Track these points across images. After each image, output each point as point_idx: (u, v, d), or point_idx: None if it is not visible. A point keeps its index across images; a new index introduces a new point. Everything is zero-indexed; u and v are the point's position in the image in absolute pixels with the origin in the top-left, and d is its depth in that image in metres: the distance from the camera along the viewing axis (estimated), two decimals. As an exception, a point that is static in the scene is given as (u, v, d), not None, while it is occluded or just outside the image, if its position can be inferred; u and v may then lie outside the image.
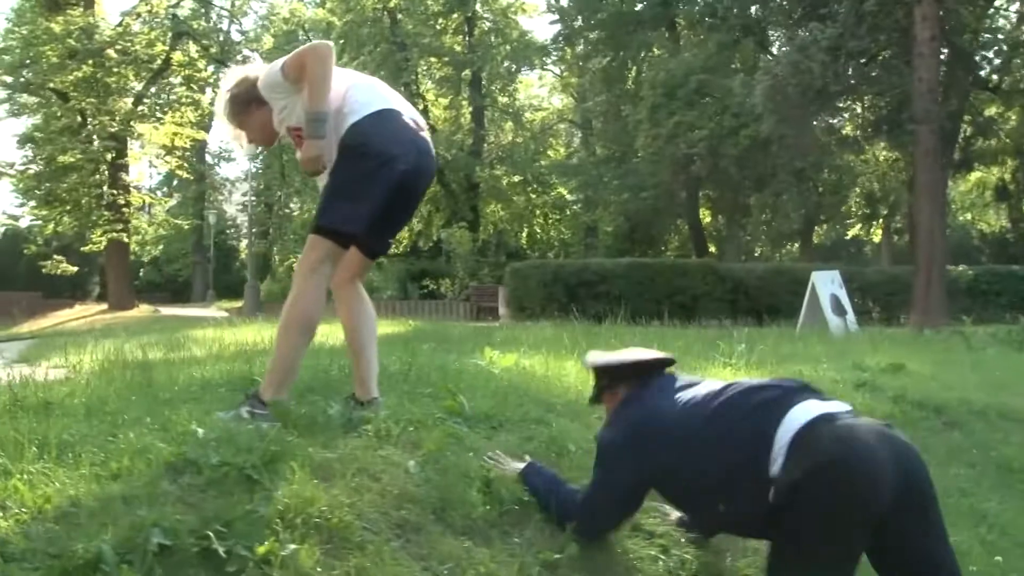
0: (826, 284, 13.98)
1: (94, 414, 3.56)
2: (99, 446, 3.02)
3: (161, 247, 50.55)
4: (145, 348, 7.69)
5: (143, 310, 30.53)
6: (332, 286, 3.73)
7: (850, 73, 19.70)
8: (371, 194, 3.49)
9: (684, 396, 3.03)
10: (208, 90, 36.02)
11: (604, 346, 4.09)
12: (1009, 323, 13.42)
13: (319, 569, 2.62)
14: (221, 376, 4.52)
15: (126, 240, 31.17)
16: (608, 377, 3.31)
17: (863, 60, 19.63)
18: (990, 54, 23.73)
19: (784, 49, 23.04)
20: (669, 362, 3.33)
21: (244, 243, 56.39)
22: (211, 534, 2.53)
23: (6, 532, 2.39)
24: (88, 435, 3.17)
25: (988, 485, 5.08)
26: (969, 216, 44.29)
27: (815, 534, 2.57)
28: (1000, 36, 23.73)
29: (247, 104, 3.74)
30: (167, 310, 31.55)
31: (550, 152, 41.47)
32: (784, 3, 21.27)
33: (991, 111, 26.97)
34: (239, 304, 31.06)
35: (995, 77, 23.65)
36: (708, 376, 3.80)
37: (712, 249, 34.15)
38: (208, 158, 50.06)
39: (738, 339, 6.88)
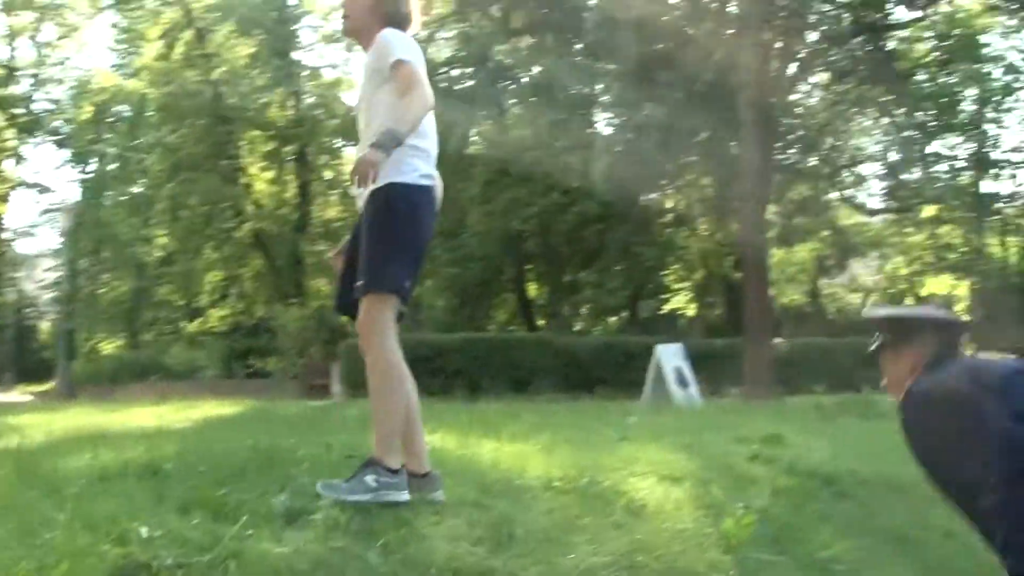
0: (670, 357, 14.29)
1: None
2: (24, 552, 2.64)
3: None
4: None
5: (-64, 396, 28.20)
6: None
7: (681, 152, 20.49)
8: (413, 243, 3.62)
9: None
10: (11, 161, 34.18)
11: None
12: (818, 393, 14.04)
13: None
14: (116, 465, 4.09)
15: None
16: (905, 332, 3.02)
17: (693, 140, 20.47)
18: (799, 134, 25.12)
19: (615, 127, 23.83)
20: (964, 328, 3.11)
21: (44, 322, 53.31)
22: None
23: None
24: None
25: (888, 555, 5.18)
26: (772, 291, 46.72)
27: None
28: (809, 122, 25.24)
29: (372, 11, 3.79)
30: (-37, 394, 29.27)
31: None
32: (617, 85, 22.00)
33: (801, 191, 28.58)
34: (45, 387, 29.11)
35: (815, 159, 25.13)
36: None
37: (540, 322, 34.56)
38: (4, 233, 47.20)
39: (626, 413, 6.85)
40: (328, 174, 39.24)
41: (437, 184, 3.75)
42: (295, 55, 37.72)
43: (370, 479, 3.42)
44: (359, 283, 3.55)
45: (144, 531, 2.73)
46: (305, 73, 37.87)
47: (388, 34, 3.64)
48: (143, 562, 2.56)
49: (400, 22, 3.77)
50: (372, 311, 3.53)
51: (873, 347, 3.09)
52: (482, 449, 4.87)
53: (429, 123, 3.70)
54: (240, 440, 4.93)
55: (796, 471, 5.87)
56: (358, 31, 3.85)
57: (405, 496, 3.50)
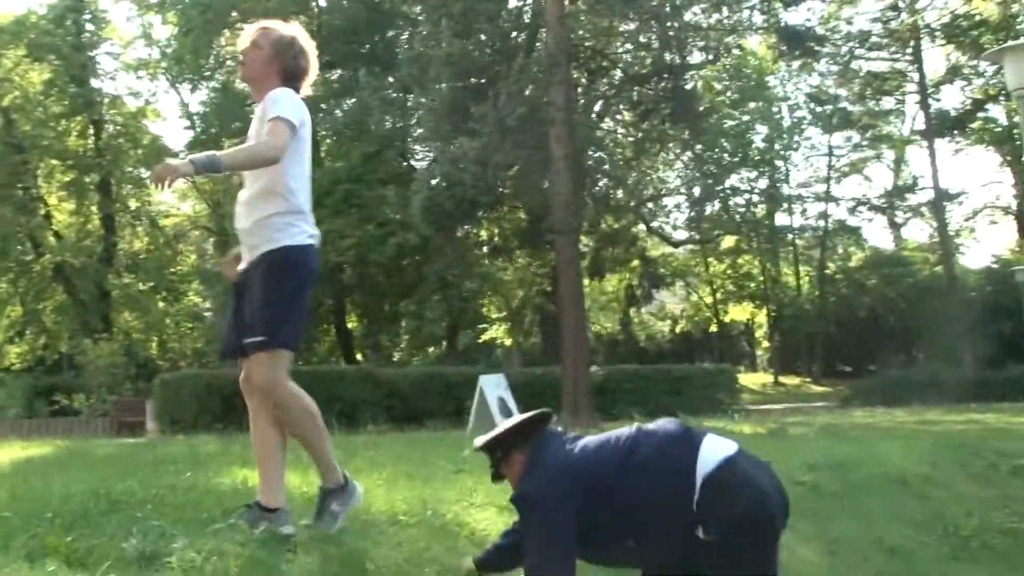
0: (493, 388, 14.56)
1: None
2: None
3: None
4: None
5: None
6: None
7: (496, 184, 20.91)
8: (304, 301, 3.89)
9: (583, 445, 3.30)
10: None
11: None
12: (634, 418, 14.59)
13: None
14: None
15: None
16: (500, 449, 3.43)
17: (508, 173, 20.94)
18: (606, 168, 26.07)
19: (430, 160, 24.08)
20: (548, 416, 3.50)
21: None
22: None
23: None
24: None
25: None
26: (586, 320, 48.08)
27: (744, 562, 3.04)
28: (615, 156, 26.25)
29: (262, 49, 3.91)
30: None
31: (183, 259, 40.02)
32: (431, 119, 22.26)
33: (611, 223, 29.62)
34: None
35: (615, 192, 26.06)
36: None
37: (359, 355, 34.35)
38: None
39: (456, 444, 7.01)
40: (133, 204, 37.88)
41: (318, 240, 3.94)
42: (95, 82, 36.23)
43: (335, 506, 3.88)
44: (256, 339, 3.69)
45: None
46: (106, 101, 36.48)
47: (279, 93, 3.76)
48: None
49: (296, 76, 3.91)
50: (273, 365, 3.73)
51: (492, 472, 3.56)
52: (313, 484, 4.90)
53: (305, 183, 3.89)
54: (70, 483, 4.81)
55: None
56: (253, 80, 3.96)
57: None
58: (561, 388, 19.72)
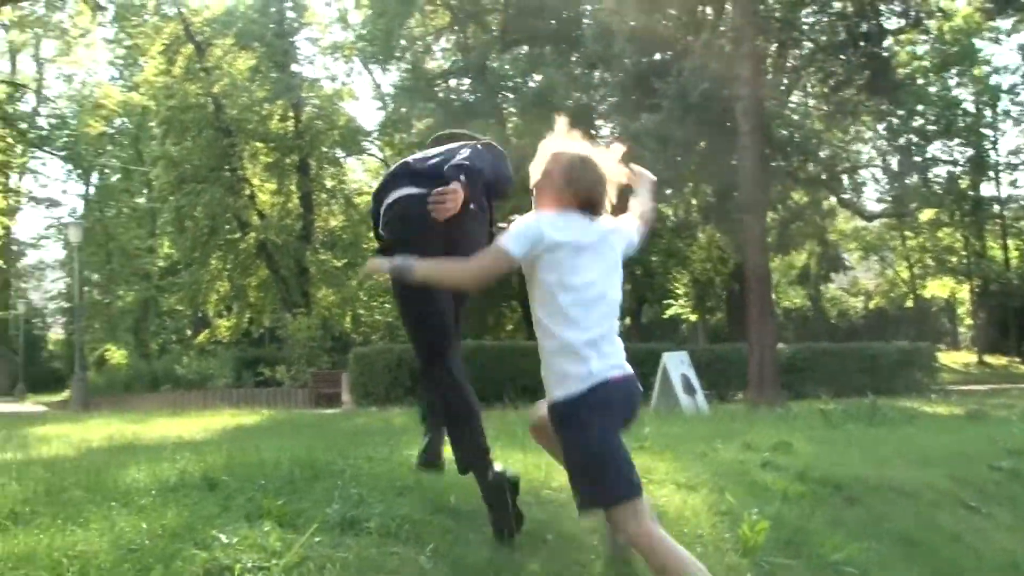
0: (676, 365, 14.54)
1: (56, 524, 3.38)
2: (120, 557, 2.92)
3: (-42, 338, 47.44)
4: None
5: (-56, 406, 28.39)
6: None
7: (679, 160, 20.76)
8: (610, 442, 3.38)
9: None
10: (17, 176, 34.45)
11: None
12: (819, 398, 14.27)
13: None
14: (175, 477, 4.35)
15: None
16: None
17: (692, 148, 20.74)
18: (796, 141, 25.39)
19: (614, 136, 24.09)
20: None
21: (52, 333, 53.64)
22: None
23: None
24: (89, 549, 3.03)
25: (899, 558, 5.44)
26: (774, 296, 47.03)
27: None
28: (805, 129, 25.52)
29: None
30: (-24, 405, 29.46)
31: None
32: (614, 94, 22.29)
33: (798, 198, 28.90)
34: (57, 397, 29.36)
35: (811, 166, 25.38)
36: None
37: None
38: (13, 246, 47.51)
39: (639, 421, 7.10)
40: (330, 183, 39.55)
41: (607, 374, 3.31)
42: (295, 67, 38.04)
43: None
44: (586, 508, 3.35)
45: (223, 537, 3.01)
46: (304, 84, 38.17)
47: (526, 217, 3.40)
48: (227, 565, 2.83)
49: (592, 204, 3.42)
50: (617, 518, 3.32)
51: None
52: (511, 458, 5.13)
53: (572, 312, 3.36)
54: (277, 451, 5.18)
55: (806, 478, 6.13)
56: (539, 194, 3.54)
57: None
58: (747, 365, 19.45)
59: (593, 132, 30.62)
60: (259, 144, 37.20)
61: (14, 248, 46.98)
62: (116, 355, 42.28)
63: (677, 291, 38.21)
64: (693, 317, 41.54)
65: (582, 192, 3.38)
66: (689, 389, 14.20)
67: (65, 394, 28.26)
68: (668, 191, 23.43)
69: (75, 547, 2.91)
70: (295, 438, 7.29)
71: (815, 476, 6.20)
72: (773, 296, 42.10)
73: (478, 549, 3.56)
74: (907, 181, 28.86)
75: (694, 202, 26.54)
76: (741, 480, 5.77)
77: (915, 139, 27.35)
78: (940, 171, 32.79)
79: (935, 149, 31.23)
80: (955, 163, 34.17)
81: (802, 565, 4.70)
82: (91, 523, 3.28)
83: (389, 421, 10.46)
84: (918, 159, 27.88)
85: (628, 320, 36.74)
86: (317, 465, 4.60)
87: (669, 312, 41.85)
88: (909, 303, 44.31)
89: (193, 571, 2.80)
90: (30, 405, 28.50)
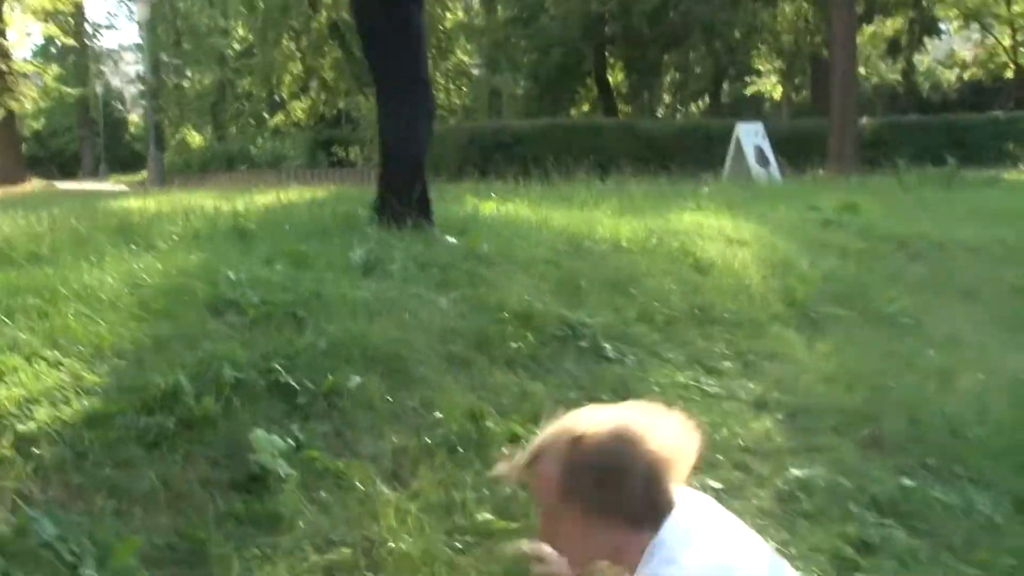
0: (750, 136, 14.08)
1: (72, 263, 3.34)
2: (127, 291, 2.87)
3: (43, 121, 48.24)
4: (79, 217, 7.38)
5: (35, 184, 29.06)
6: None
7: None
8: None
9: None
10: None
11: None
12: (898, 167, 13.75)
13: (387, 399, 2.56)
14: (207, 229, 4.31)
15: (14, 108, 29.26)
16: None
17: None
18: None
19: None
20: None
21: (132, 115, 54.33)
22: (278, 367, 2.45)
23: (72, 369, 2.27)
24: (96, 283, 2.98)
25: (958, 310, 5.25)
26: (862, 69, 44.94)
27: None
28: None
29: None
30: (61, 185, 30.17)
31: (447, 15, 40.37)
32: None
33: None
34: (137, 177, 29.96)
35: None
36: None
37: (620, 108, 34.05)
38: (87, 27, 47.45)
39: (701, 185, 6.89)
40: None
41: None
42: None
43: None
44: None
45: (231, 275, 2.94)
46: None
47: None
48: (231, 299, 2.77)
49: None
50: None
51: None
52: (554, 215, 4.98)
53: None
54: (321, 207, 5.11)
55: (869, 235, 5.90)
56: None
57: None
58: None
59: None
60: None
61: (87, 28, 46.91)
62: (195, 138, 42.75)
63: (760, 67, 36.73)
64: (777, 94, 40.10)
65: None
66: (762, 160, 13.80)
67: (144, 174, 28.78)
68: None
69: (81, 280, 2.86)
70: (347, 204, 7.23)
71: (878, 233, 5.97)
72: (860, 68, 40.36)
73: (506, 294, 3.45)
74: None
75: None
76: (798, 237, 5.56)
77: None
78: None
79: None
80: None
81: (854, 316, 4.53)
82: (107, 263, 3.24)
83: (447, 191, 10.35)
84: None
85: (707, 98, 35.66)
86: (354, 218, 4.51)
87: (751, 89, 40.44)
88: (1008, 74, 41.94)
89: (197, 304, 2.73)
90: (111, 184, 29.13)
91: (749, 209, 6.50)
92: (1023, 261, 6.18)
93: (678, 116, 37.77)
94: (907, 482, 3.23)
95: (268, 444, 2.18)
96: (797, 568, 2.55)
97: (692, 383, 3.35)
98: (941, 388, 4.03)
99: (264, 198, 9.31)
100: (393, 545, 2.09)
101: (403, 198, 4.08)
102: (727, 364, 3.62)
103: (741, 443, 3.10)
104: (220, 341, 2.51)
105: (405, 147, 4.27)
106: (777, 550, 2.61)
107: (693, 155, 21.20)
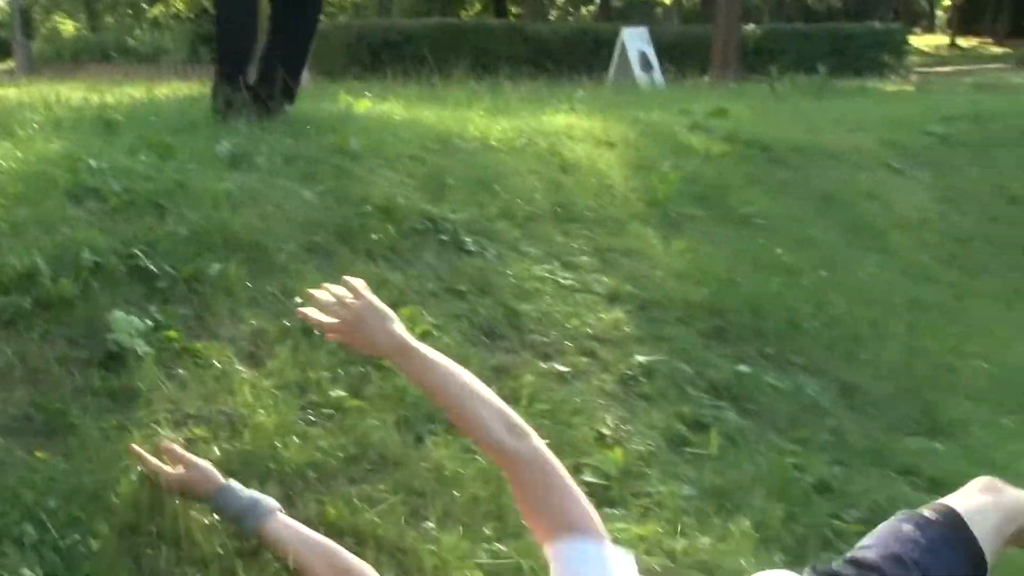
0: (635, 40, 14.22)
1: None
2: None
3: None
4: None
5: None
6: None
7: None
8: None
9: None
10: None
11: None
12: (771, 75, 14.10)
13: (247, 285, 2.66)
14: (70, 118, 4.23)
15: None
16: None
17: None
18: None
19: None
20: None
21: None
22: (139, 252, 2.52)
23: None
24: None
25: (811, 213, 5.56)
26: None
27: None
28: None
29: None
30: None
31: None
32: None
33: None
34: (3, 66, 28.50)
35: None
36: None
37: (512, 10, 33.73)
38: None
39: (578, 88, 7.02)
40: None
41: None
42: None
43: None
44: None
45: (93, 163, 2.96)
46: None
47: None
48: (92, 187, 2.80)
49: None
50: None
51: None
52: (426, 114, 5.04)
53: None
54: (195, 105, 5.05)
55: (734, 140, 6.13)
56: None
57: None
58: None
59: None
60: None
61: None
62: (67, 26, 40.77)
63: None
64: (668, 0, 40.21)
65: None
66: (646, 65, 13.98)
67: (10, 63, 27.41)
68: None
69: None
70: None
71: (743, 138, 6.21)
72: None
73: (373, 188, 3.54)
74: None
75: None
76: (666, 140, 5.76)
77: None
78: None
79: None
80: None
81: (711, 216, 4.77)
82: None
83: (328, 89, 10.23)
84: None
85: (598, 2, 35.57)
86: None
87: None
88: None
89: (56, 192, 2.76)
90: (-27, 71, 27.72)
91: (623, 113, 6.64)
92: (877, 167, 6.54)
93: (570, 19, 37.64)
94: (744, 368, 3.50)
95: (126, 324, 2.26)
96: (634, 444, 2.81)
97: (548, 276, 3.53)
98: (785, 284, 4.32)
99: (136, 91, 9.07)
100: (249, 418, 2.22)
101: (235, 84, 4.03)
102: (584, 259, 3.80)
103: (590, 331, 3.30)
104: (79, 227, 2.55)
105: (237, 25, 4.18)
106: (616, 428, 2.85)
107: (582, 59, 21.22)
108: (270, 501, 1.92)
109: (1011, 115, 7.93)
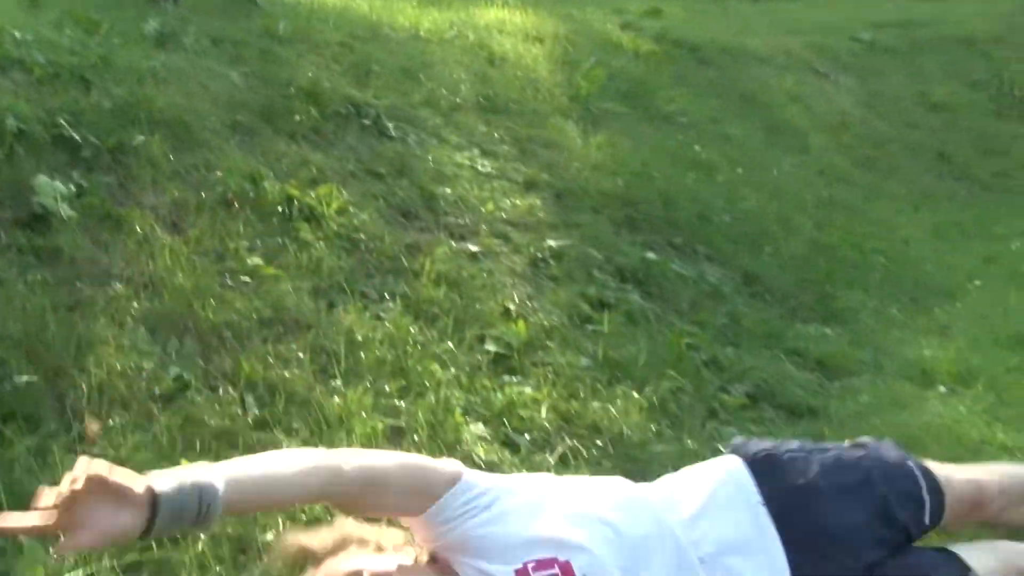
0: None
1: None
2: None
3: None
4: None
5: None
6: None
7: None
8: None
9: None
10: None
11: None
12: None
13: (170, 158, 2.76)
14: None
15: None
16: None
17: None
18: None
19: None
20: None
21: None
22: (63, 122, 2.61)
23: None
24: None
25: (733, 113, 5.72)
26: None
27: None
28: None
29: None
30: None
31: None
32: None
33: None
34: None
35: None
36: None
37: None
38: None
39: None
40: None
41: None
42: None
43: None
44: None
45: (17, 34, 3.00)
46: None
47: None
48: (17, 58, 2.85)
49: None
50: None
51: None
52: (358, 1, 5.07)
53: None
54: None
55: (664, 39, 6.23)
56: None
57: None
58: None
59: None
60: None
61: None
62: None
63: None
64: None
65: None
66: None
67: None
68: None
69: None
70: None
71: (673, 38, 6.32)
72: None
73: (298, 73, 3.62)
74: None
75: None
76: (596, 38, 5.85)
77: None
78: None
79: None
80: None
81: (634, 113, 4.91)
82: None
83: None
84: None
85: None
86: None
87: None
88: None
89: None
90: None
91: (556, 9, 6.68)
92: (803, 70, 6.71)
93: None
94: (651, 255, 3.68)
95: (51, 189, 2.37)
96: (538, 319, 2.99)
97: (467, 163, 3.67)
98: (700, 180, 4.50)
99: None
100: (168, 280, 2.36)
101: None
102: (504, 148, 3.94)
103: (505, 216, 3.45)
104: (4, 95, 2.62)
105: None
106: (522, 304, 3.03)
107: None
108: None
109: (940, 23, 8.10)
